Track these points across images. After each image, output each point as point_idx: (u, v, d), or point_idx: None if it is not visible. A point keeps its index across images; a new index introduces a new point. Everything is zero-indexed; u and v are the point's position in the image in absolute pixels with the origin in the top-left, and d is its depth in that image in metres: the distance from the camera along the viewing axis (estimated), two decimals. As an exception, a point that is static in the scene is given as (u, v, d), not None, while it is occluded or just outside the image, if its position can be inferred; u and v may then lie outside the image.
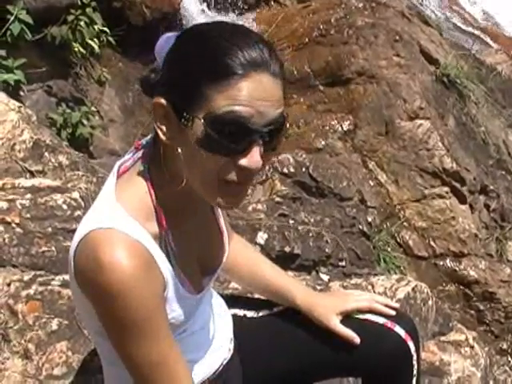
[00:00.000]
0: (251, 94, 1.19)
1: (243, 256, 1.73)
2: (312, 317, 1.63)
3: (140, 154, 1.35)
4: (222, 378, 1.55)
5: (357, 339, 1.59)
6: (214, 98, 1.19)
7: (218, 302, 1.64)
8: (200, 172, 1.24)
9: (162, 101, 1.23)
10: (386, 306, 1.63)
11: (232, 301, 1.72)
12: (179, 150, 1.24)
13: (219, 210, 1.55)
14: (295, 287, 1.68)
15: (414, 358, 1.61)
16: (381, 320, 1.61)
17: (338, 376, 1.84)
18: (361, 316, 1.63)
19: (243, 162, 1.22)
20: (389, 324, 1.60)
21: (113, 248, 1.22)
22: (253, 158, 1.22)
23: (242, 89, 1.19)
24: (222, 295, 1.71)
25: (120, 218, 1.26)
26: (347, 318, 1.62)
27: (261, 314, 1.70)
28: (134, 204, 1.29)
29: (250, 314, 1.70)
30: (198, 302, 1.45)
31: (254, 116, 1.20)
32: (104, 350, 1.43)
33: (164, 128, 1.25)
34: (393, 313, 1.62)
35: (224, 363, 1.56)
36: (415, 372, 1.63)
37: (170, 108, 1.23)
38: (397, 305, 1.68)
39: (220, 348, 1.56)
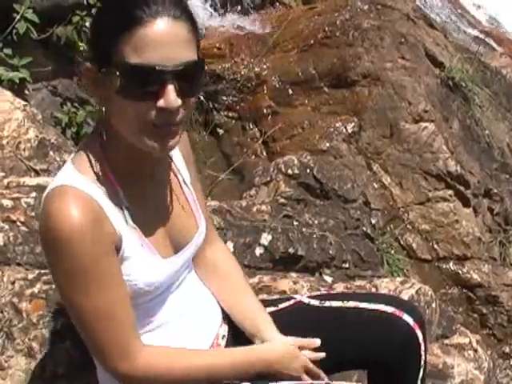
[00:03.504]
0: (154, 39, 1.29)
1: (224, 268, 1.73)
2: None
3: (94, 126, 1.51)
4: None
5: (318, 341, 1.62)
6: (122, 49, 1.30)
7: (205, 295, 1.65)
8: (125, 120, 1.34)
9: (88, 65, 1.36)
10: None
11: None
12: (106, 106, 1.36)
13: (191, 189, 1.60)
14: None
15: (422, 347, 1.62)
16: (389, 309, 1.62)
17: (347, 369, 1.84)
18: (369, 306, 1.64)
19: (160, 102, 1.31)
20: (397, 312, 1.62)
21: (61, 199, 1.32)
22: (169, 97, 1.30)
23: (146, 36, 1.29)
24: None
25: (72, 176, 1.37)
26: (356, 309, 1.64)
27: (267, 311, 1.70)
28: (86, 165, 1.39)
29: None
30: (168, 270, 1.47)
31: (161, 59, 1.29)
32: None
33: (96, 92, 1.37)
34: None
35: None
36: (422, 362, 1.64)
37: (94, 69, 1.35)
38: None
39: (204, 343, 1.58)
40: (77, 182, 1.36)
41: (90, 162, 1.40)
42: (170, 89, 1.30)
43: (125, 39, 1.29)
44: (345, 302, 1.68)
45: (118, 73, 1.30)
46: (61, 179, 1.37)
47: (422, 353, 1.63)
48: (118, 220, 1.39)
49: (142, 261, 1.42)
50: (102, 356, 1.40)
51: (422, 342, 1.63)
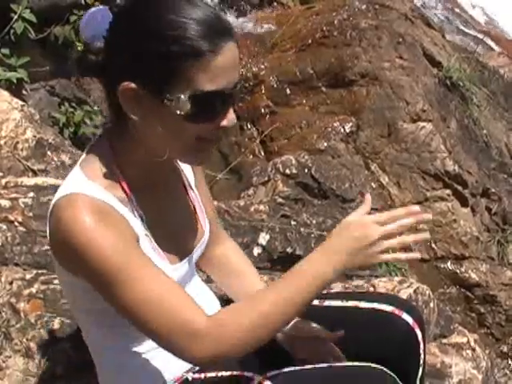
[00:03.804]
0: (225, 66, 1.31)
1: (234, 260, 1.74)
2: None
3: (102, 131, 1.47)
4: None
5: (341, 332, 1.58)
6: (194, 78, 1.29)
7: (207, 297, 1.65)
8: (183, 141, 1.35)
9: (133, 85, 1.31)
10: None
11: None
12: (156, 126, 1.33)
13: (196, 192, 1.60)
14: None
15: (421, 346, 1.62)
16: (388, 308, 1.62)
17: None
18: (369, 305, 1.63)
19: (224, 123, 1.36)
20: (396, 311, 1.61)
21: (71, 206, 1.30)
22: (231, 116, 1.36)
23: (218, 65, 1.29)
24: (226, 299, 1.72)
25: (83, 184, 1.35)
26: (356, 308, 1.64)
27: None
28: (97, 172, 1.38)
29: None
30: (176, 275, 1.46)
31: (229, 83, 1.32)
32: (90, 335, 1.48)
33: (134, 109, 1.33)
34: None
35: None
36: (422, 362, 1.63)
37: (141, 90, 1.31)
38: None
39: None
40: (87, 188, 1.33)
41: (101, 168, 1.38)
42: (231, 109, 1.35)
43: (195, 67, 1.28)
44: (344, 301, 1.67)
45: (187, 99, 1.29)
46: (69, 187, 1.35)
47: (421, 352, 1.62)
48: (136, 224, 1.38)
49: None
50: (174, 348, 1.30)
51: (422, 341, 1.62)
